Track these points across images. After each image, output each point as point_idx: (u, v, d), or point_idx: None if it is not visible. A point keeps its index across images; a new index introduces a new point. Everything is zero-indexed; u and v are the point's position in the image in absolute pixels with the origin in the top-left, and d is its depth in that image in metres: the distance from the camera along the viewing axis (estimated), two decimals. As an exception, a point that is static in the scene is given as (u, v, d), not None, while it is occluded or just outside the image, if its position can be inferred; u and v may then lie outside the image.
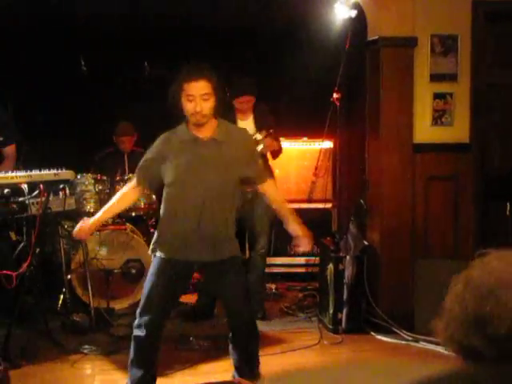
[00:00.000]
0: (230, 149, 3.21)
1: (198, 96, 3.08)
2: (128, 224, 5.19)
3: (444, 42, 4.67)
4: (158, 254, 3.26)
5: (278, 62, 5.56)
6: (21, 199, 4.12)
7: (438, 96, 4.72)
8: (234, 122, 4.76)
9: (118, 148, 5.67)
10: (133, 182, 3.43)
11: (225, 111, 4.86)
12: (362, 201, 4.91)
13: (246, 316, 3.42)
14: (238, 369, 3.49)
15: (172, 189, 3.23)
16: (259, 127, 4.79)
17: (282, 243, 5.54)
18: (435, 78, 4.69)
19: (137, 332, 3.27)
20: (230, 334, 3.48)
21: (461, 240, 4.83)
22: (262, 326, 4.72)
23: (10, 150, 4.83)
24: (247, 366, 3.46)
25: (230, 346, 3.50)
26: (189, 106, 3.10)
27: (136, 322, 3.29)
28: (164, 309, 3.32)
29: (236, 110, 4.80)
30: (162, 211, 3.30)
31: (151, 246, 3.33)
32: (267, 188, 3.42)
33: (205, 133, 3.20)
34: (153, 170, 3.28)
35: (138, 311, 3.30)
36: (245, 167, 3.26)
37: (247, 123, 4.80)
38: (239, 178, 3.28)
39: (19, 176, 4.13)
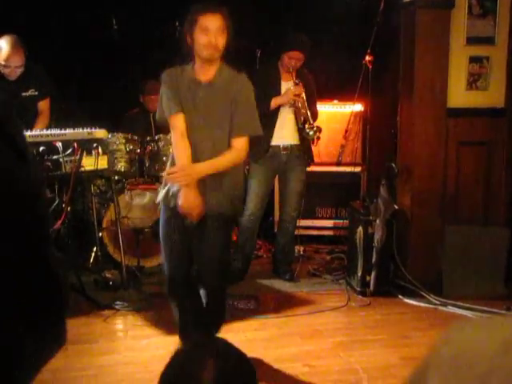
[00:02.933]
0: (227, 94, 3.11)
1: (214, 28, 3.00)
2: (158, 184, 5.24)
3: (482, 3, 4.57)
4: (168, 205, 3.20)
5: (309, 23, 5.48)
6: (55, 157, 4.17)
7: (473, 60, 4.64)
8: (278, 80, 4.73)
9: (144, 108, 5.67)
10: (177, 121, 3.14)
11: (268, 68, 4.76)
12: (393, 164, 4.88)
13: (216, 277, 3.33)
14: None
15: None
16: None
17: (310, 206, 5.55)
18: (472, 41, 4.61)
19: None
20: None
21: (491, 207, 4.81)
22: (290, 288, 4.79)
23: (44, 104, 4.86)
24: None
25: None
26: (204, 39, 3.01)
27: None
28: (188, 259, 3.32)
29: (281, 68, 4.73)
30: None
31: (163, 198, 3.22)
32: (230, 147, 3.14)
33: (208, 75, 3.12)
34: (178, 96, 3.15)
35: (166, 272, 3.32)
36: (234, 113, 3.13)
37: (288, 85, 4.75)
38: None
39: (54, 134, 4.17)
